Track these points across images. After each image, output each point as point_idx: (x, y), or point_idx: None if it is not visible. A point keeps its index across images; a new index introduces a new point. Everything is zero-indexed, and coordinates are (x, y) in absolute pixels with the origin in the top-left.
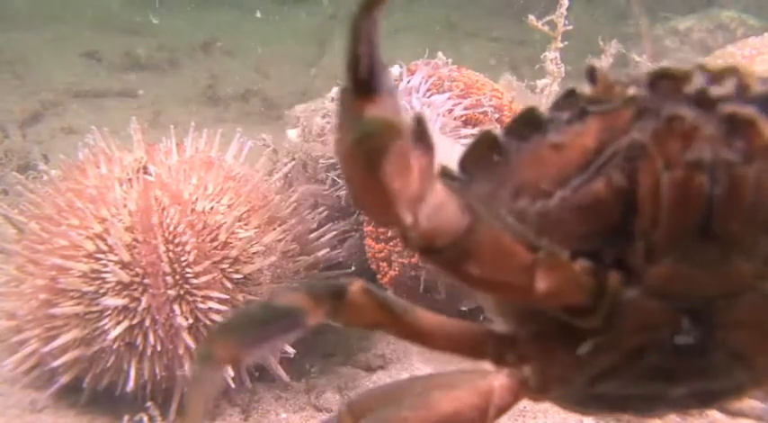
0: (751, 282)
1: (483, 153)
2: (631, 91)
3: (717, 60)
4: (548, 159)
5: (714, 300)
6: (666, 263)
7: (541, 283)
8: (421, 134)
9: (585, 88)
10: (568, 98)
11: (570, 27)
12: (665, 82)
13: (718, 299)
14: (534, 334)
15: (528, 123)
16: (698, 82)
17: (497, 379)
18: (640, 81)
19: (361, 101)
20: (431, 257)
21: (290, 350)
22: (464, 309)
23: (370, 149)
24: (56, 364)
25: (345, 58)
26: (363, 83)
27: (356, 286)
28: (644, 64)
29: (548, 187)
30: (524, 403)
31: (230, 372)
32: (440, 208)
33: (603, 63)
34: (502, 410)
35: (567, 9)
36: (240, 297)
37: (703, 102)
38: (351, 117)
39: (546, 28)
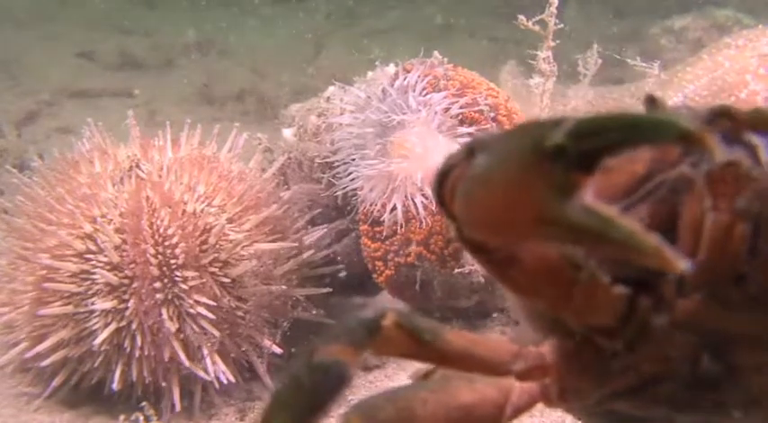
0: None
1: None
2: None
3: (711, 51)
4: (595, 179)
5: (737, 341)
6: (696, 298)
7: (577, 300)
8: None
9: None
10: None
11: (562, 26)
12: (725, 122)
13: (741, 340)
14: (559, 346)
15: None
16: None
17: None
18: (699, 115)
19: (577, 174)
20: (479, 255)
21: (278, 351)
22: (459, 307)
23: (560, 225)
24: (45, 363)
25: (586, 124)
26: (588, 158)
27: (389, 320)
28: (639, 65)
29: None
30: None
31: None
32: None
33: (590, 65)
34: (519, 410)
35: (562, 8)
36: (226, 301)
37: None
38: (558, 180)
39: (537, 27)
